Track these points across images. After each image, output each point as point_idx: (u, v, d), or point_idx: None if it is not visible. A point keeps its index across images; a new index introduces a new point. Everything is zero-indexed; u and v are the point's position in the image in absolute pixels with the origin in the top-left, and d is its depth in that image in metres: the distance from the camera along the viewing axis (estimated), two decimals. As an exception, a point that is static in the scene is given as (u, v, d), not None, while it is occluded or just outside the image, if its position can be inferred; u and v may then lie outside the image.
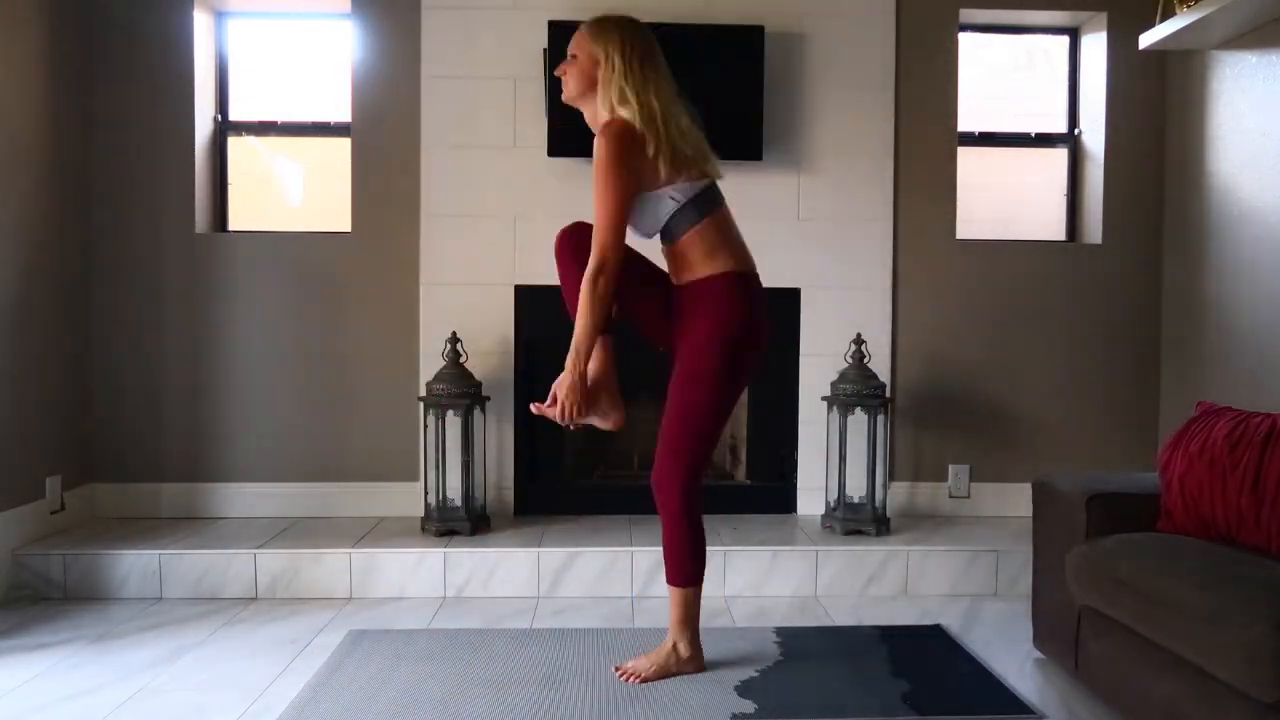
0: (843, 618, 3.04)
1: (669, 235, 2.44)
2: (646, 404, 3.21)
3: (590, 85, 2.41)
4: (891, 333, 3.79)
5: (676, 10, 3.65)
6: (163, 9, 3.65)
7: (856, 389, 3.47)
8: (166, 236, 3.69)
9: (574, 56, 2.42)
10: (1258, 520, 2.22)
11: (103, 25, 3.63)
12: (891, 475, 3.78)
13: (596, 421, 2.47)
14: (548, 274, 3.69)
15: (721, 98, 3.60)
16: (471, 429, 3.46)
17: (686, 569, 2.48)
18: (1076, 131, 3.98)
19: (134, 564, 3.18)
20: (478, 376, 3.53)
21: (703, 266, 2.42)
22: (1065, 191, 4.01)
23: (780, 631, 2.87)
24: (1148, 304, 3.86)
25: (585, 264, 2.34)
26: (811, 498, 3.76)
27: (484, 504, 3.59)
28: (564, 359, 2.38)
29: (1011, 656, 2.71)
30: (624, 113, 2.35)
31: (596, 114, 2.43)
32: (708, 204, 2.43)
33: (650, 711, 2.31)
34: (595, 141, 2.35)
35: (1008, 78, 4.06)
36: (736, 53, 3.61)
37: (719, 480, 3.95)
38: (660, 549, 2.52)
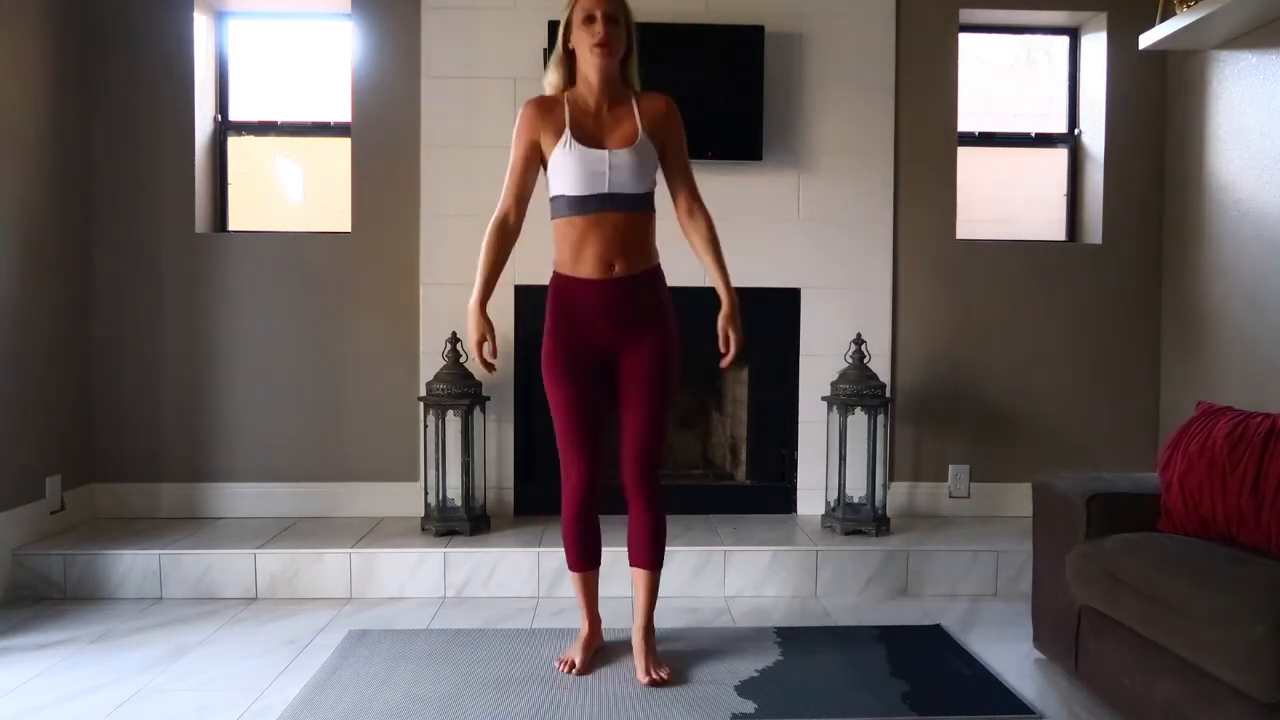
0: (843, 618, 3.04)
1: (649, 202, 2.51)
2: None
3: (626, 51, 2.50)
4: (891, 333, 3.79)
5: (676, 10, 3.65)
6: (163, 9, 3.65)
7: (856, 389, 3.47)
8: (166, 236, 3.69)
9: (615, 20, 2.45)
10: (1258, 520, 2.22)
11: (103, 25, 3.63)
12: (891, 475, 3.78)
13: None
14: (547, 274, 3.71)
15: (721, 98, 3.60)
16: (471, 429, 3.46)
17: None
18: (1076, 131, 3.98)
19: (134, 564, 3.18)
20: (477, 376, 3.53)
21: (653, 252, 2.56)
22: (1065, 191, 4.01)
23: (780, 631, 2.88)
24: (1148, 304, 3.86)
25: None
26: (811, 498, 3.76)
27: (484, 504, 3.59)
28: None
29: (1011, 656, 2.71)
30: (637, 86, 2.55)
31: (629, 76, 2.54)
32: None
33: (650, 711, 2.31)
34: (668, 105, 2.54)
35: (1008, 78, 4.06)
36: (736, 53, 3.61)
37: (719, 480, 3.95)
38: (654, 548, 2.58)
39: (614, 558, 3.26)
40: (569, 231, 2.49)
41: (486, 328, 2.49)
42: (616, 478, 2.62)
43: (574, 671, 2.54)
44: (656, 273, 2.56)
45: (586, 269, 2.47)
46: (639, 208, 2.48)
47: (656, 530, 2.60)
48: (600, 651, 2.68)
